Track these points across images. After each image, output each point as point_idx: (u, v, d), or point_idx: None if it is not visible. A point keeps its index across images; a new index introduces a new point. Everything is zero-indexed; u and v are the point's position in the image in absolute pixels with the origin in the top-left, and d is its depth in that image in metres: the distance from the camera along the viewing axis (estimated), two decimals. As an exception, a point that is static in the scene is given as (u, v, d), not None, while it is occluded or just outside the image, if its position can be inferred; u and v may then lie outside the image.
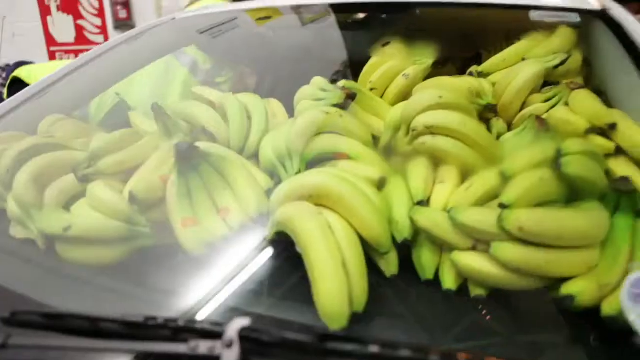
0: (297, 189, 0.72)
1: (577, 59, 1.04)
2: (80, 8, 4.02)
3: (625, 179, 0.67)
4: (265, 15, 1.49)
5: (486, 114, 0.99)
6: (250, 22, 1.52)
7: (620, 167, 0.75)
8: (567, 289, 0.58)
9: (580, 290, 0.57)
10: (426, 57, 1.11)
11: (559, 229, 0.59)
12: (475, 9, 1.18)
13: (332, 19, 1.38)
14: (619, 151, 0.78)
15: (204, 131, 0.98)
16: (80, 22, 4.06)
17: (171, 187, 0.79)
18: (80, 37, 4.10)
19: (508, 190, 0.66)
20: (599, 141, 0.79)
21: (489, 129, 0.95)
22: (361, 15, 1.37)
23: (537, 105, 0.93)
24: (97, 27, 4.04)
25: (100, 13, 4.00)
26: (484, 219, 0.63)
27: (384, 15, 1.30)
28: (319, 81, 1.03)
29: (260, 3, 1.60)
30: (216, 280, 0.68)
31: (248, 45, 1.52)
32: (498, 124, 0.96)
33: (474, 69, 1.08)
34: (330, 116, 0.91)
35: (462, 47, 1.20)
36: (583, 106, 0.85)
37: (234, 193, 0.80)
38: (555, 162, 0.67)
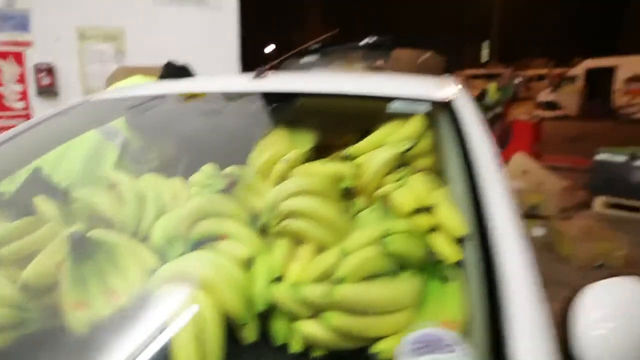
0: (174, 272, 0.85)
1: (427, 143, 1.25)
2: (1, 74, 4.03)
3: (432, 253, 0.85)
4: (184, 97, 1.63)
5: (351, 194, 1.17)
6: (169, 103, 1.66)
7: (438, 242, 0.93)
8: (374, 347, 0.74)
9: (383, 348, 0.74)
10: (306, 143, 1.30)
11: (370, 300, 0.76)
12: (347, 99, 1.39)
13: (233, 106, 1.56)
14: (438, 227, 0.97)
15: (101, 217, 1.10)
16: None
17: (64, 273, 0.89)
18: (-1, 104, 4.07)
19: (341, 266, 0.82)
20: (422, 220, 0.98)
21: (350, 207, 1.12)
22: (259, 103, 1.56)
23: (387, 186, 1.12)
24: (19, 93, 4.04)
25: (22, 79, 4.02)
26: (317, 293, 0.79)
27: (275, 104, 1.50)
28: (207, 169, 1.18)
29: (183, 86, 1.74)
30: None
31: (162, 126, 1.65)
32: (358, 202, 1.14)
33: (344, 152, 1.27)
34: (213, 202, 1.05)
35: (338, 133, 1.39)
36: (415, 188, 1.05)
37: (123, 277, 0.92)
38: (382, 240, 0.85)
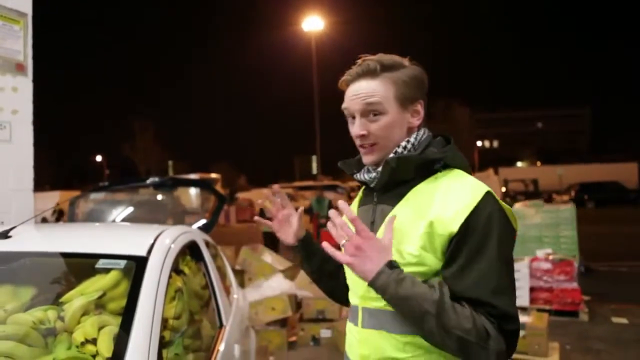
0: None
1: (119, 291, 1.74)
2: None
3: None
4: None
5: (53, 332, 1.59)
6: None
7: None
8: None
9: None
10: (24, 295, 1.70)
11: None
12: (67, 257, 1.85)
13: None
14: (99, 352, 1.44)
15: None
16: None
17: None
18: None
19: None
20: (89, 348, 1.44)
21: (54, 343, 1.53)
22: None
23: (80, 325, 1.56)
24: None
25: None
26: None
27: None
28: None
29: None
30: None
31: None
32: (61, 339, 1.55)
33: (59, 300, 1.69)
34: None
35: (55, 286, 1.82)
36: (88, 326, 1.52)
37: None
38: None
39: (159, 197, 4.68)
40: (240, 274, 5.77)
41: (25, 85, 4.62)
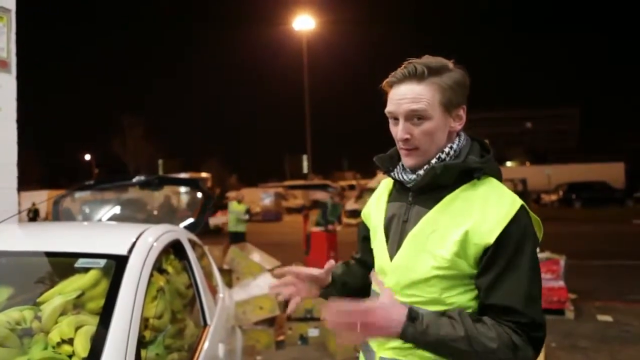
0: None
1: (99, 290, 1.71)
2: None
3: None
4: None
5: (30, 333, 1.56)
6: None
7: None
8: None
9: None
10: (1, 294, 1.67)
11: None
12: (46, 256, 1.82)
13: None
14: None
15: None
16: None
17: None
18: None
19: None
20: (65, 349, 1.42)
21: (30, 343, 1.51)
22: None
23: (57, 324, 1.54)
24: None
25: None
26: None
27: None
28: None
29: None
30: None
31: None
32: (38, 339, 1.53)
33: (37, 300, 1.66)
34: None
35: (36, 284, 1.79)
36: (65, 326, 1.50)
37: None
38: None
39: (147, 195, 4.64)
40: (228, 274, 5.74)
41: (8, 82, 4.56)
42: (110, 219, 4.26)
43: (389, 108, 1.24)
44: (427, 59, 1.23)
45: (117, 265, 1.77)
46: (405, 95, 1.21)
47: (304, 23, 24.95)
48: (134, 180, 4.21)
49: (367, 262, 1.43)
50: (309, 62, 25.17)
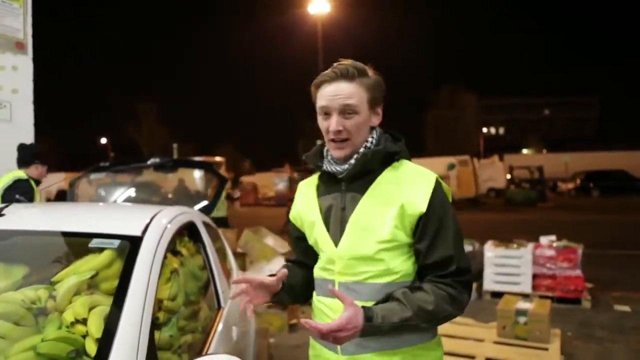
0: None
1: (113, 271, 1.70)
2: None
3: (78, 352, 1.29)
4: None
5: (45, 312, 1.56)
6: None
7: (87, 343, 1.37)
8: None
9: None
10: (15, 274, 1.67)
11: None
12: (58, 235, 1.82)
13: None
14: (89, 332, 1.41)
15: None
16: None
17: None
18: None
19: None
20: (79, 329, 1.42)
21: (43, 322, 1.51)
22: None
23: (71, 304, 1.54)
24: None
25: None
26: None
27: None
28: None
29: None
30: None
31: None
32: (52, 318, 1.53)
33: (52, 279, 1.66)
34: None
35: (47, 265, 1.79)
36: (78, 306, 1.49)
37: None
38: (35, 346, 1.26)
39: (161, 179, 4.64)
40: (241, 257, 5.76)
41: (25, 64, 4.57)
42: (125, 201, 4.28)
43: (323, 103, 1.40)
44: (354, 62, 1.40)
45: (131, 246, 1.76)
46: (338, 92, 1.37)
47: (318, 6, 24.69)
48: (149, 162, 4.22)
49: (304, 262, 1.60)
50: (324, 45, 24.95)
